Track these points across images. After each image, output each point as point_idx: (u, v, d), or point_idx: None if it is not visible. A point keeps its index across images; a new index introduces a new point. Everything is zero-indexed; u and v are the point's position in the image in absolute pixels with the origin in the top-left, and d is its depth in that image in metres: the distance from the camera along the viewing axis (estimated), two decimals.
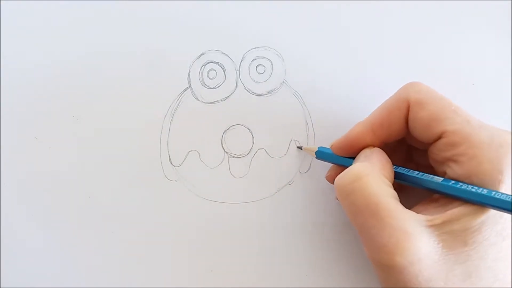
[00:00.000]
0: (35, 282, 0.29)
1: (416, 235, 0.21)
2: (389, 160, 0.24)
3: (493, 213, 0.21)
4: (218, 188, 0.29)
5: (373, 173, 0.22)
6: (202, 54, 0.29)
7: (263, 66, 0.30)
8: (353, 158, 0.26)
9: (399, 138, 0.26)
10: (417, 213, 0.22)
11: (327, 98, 0.30)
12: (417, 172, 0.24)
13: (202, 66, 0.29)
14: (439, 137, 0.23)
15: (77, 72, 0.29)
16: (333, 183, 0.24)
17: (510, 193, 0.21)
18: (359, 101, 0.30)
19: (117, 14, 0.29)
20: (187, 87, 0.29)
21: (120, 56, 0.29)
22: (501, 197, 0.20)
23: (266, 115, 0.30)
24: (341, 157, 0.26)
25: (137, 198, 0.29)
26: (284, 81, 0.30)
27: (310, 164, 0.30)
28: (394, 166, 0.25)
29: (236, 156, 0.30)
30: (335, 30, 0.30)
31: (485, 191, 0.21)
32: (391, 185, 0.23)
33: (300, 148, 0.30)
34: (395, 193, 0.22)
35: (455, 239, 0.21)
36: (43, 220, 0.29)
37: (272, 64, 0.30)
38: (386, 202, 0.21)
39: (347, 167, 0.24)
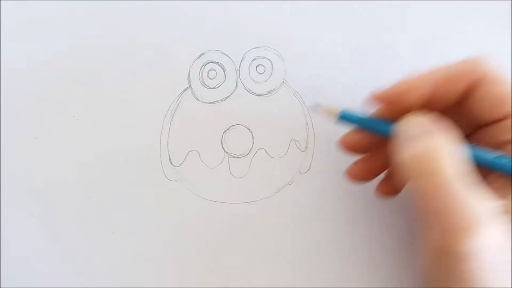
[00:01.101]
0: (35, 282, 0.29)
1: (489, 221, 0.19)
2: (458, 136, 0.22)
3: None
4: (218, 188, 0.29)
5: (451, 150, 0.20)
6: (202, 54, 0.29)
7: (263, 66, 0.30)
8: (391, 124, 0.21)
9: (448, 107, 0.23)
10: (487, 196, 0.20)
11: (327, 98, 0.30)
12: (494, 154, 0.22)
13: (202, 66, 0.29)
14: (504, 118, 0.22)
15: (77, 72, 0.29)
16: (349, 150, 0.21)
17: None
18: (359, 101, 0.30)
19: (117, 14, 0.29)
20: (187, 87, 0.29)
21: (120, 56, 0.29)
22: None
23: (266, 115, 0.30)
24: (377, 120, 0.22)
25: (137, 198, 0.29)
26: (284, 81, 0.30)
27: (310, 164, 0.30)
28: (467, 146, 0.22)
29: (236, 156, 0.30)
30: (335, 30, 0.30)
31: None
32: (466, 165, 0.21)
33: (317, 107, 0.25)
34: (469, 173, 0.21)
35: None
36: (43, 220, 0.29)
37: (272, 64, 0.30)
38: (461, 184, 0.20)
39: (378, 132, 0.21)
